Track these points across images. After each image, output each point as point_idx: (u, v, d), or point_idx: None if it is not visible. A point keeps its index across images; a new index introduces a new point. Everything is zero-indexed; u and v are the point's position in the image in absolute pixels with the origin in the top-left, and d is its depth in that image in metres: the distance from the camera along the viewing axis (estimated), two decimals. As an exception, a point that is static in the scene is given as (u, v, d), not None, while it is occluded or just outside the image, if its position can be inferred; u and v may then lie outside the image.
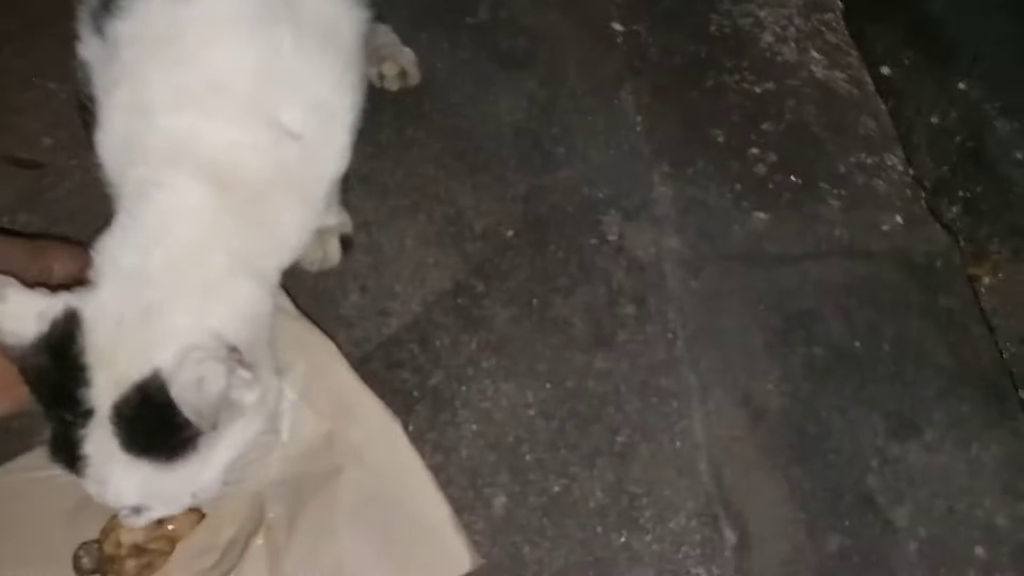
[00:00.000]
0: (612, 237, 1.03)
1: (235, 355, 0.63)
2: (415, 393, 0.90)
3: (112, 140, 0.70)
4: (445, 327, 0.95)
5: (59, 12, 0.79)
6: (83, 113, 0.74)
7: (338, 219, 0.95)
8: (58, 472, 0.68)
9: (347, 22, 0.78)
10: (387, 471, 0.83)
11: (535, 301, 0.98)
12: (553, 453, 0.87)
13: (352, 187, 0.99)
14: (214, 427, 0.62)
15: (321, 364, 0.85)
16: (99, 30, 0.72)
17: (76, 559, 0.77)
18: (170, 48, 0.68)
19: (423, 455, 0.82)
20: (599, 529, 0.83)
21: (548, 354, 0.94)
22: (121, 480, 0.64)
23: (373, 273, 0.99)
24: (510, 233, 1.04)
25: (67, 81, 1.11)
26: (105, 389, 0.62)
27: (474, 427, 0.89)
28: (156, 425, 0.62)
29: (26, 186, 1.07)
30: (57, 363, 0.63)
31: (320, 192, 0.78)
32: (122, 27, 0.69)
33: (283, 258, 0.74)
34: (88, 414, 0.63)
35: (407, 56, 1.11)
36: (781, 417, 0.90)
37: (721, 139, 1.15)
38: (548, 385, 0.92)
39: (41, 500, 0.79)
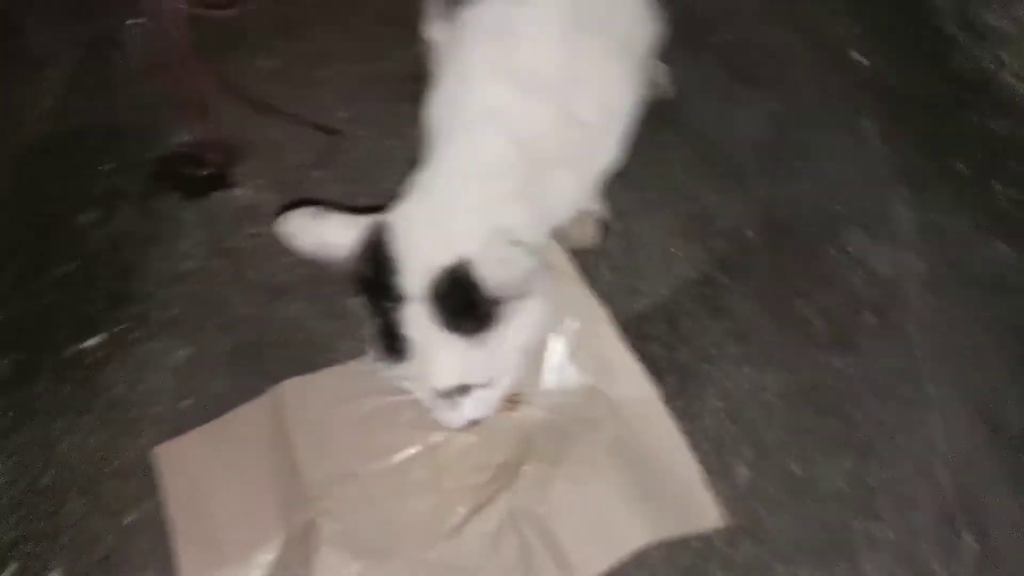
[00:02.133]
0: (851, 249, 1.11)
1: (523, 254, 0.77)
2: (663, 365, 1.01)
3: (442, 99, 0.87)
4: (691, 312, 1.06)
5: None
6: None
7: (599, 206, 1.08)
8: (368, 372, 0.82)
9: (642, 37, 0.92)
10: (643, 429, 0.95)
11: (775, 298, 1.06)
12: (792, 436, 0.96)
13: (611, 180, 1.12)
14: (518, 296, 0.75)
15: (592, 326, 0.97)
16: (448, 16, 0.88)
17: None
18: (501, 35, 0.84)
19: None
20: (837, 511, 0.90)
21: (787, 347, 1.03)
22: (443, 356, 0.79)
23: (625, 256, 1.11)
24: (750, 234, 1.14)
25: (363, 62, 1.32)
26: (415, 273, 0.77)
27: (718, 403, 0.99)
28: (465, 303, 0.77)
29: (323, 148, 1.27)
30: (375, 265, 0.77)
31: (591, 174, 0.92)
32: (467, 15, 0.86)
33: (550, 220, 0.88)
34: (401, 300, 0.77)
35: (663, 70, 1.24)
36: (1022, 439, 0.95)
37: (963, 170, 1.21)
38: (787, 375, 1.01)
39: (341, 407, 0.95)
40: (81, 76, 1.41)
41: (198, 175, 1.27)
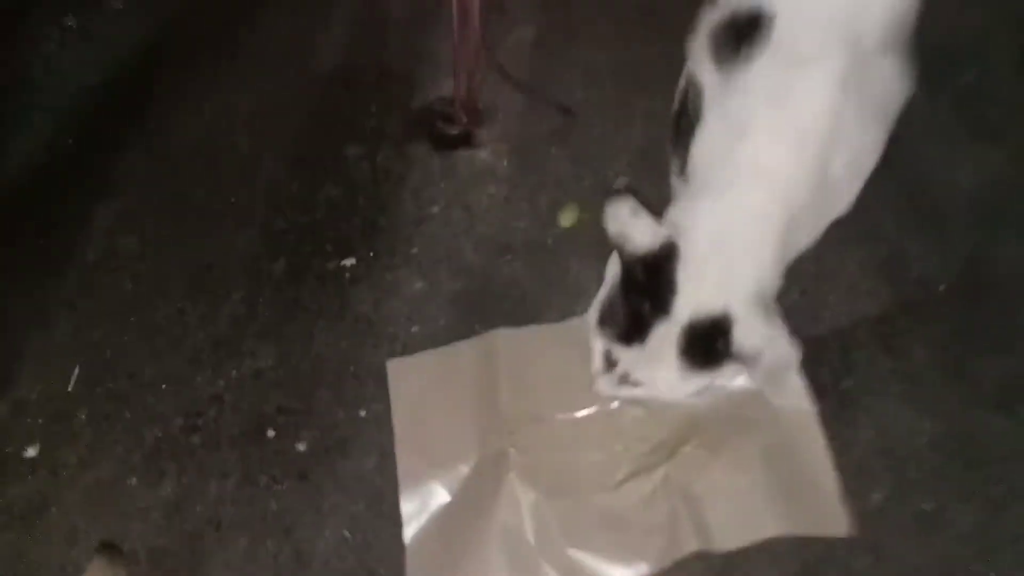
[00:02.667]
0: None
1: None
2: (828, 387, 1.14)
3: (707, 142, 1.00)
4: (865, 345, 1.18)
5: None
6: (679, 117, 1.05)
7: None
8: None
9: (896, 100, 1.01)
10: (796, 437, 1.10)
11: (952, 351, 1.16)
12: (933, 479, 1.08)
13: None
14: (765, 372, 0.90)
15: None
16: (720, 63, 1.00)
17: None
18: (779, 98, 0.95)
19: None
20: (958, 550, 1.02)
21: (952, 399, 1.13)
22: (658, 365, 0.96)
23: (814, 283, 1.24)
24: (942, 287, 1.22)
25: (612, 47, 1.45)
26: (686, 305, 0.93)
27: (870, 434, 1.11)
28: (708, 346, 0.92)
29: (560, 126, 1.45)
30: (654, 275, 0.94)
31: (826, 222, 1.02)
32: (744, 72, 0.98)
33: (791, 256, 1.01)
34: (663, 314, 0.93)
35: None
36: None
37: None
38: (945, 424, 1.11)
39: (542, 359, 1.18)
40: (363, 17, 1.65)
41: (449, 132, 1.49)
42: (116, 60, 1.67)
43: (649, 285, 0.94)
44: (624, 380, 0.99)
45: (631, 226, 0.92)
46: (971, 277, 1.24)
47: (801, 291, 1.25)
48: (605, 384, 1.01)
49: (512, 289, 1.31)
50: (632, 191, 0.93)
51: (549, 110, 1.49)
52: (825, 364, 1.18)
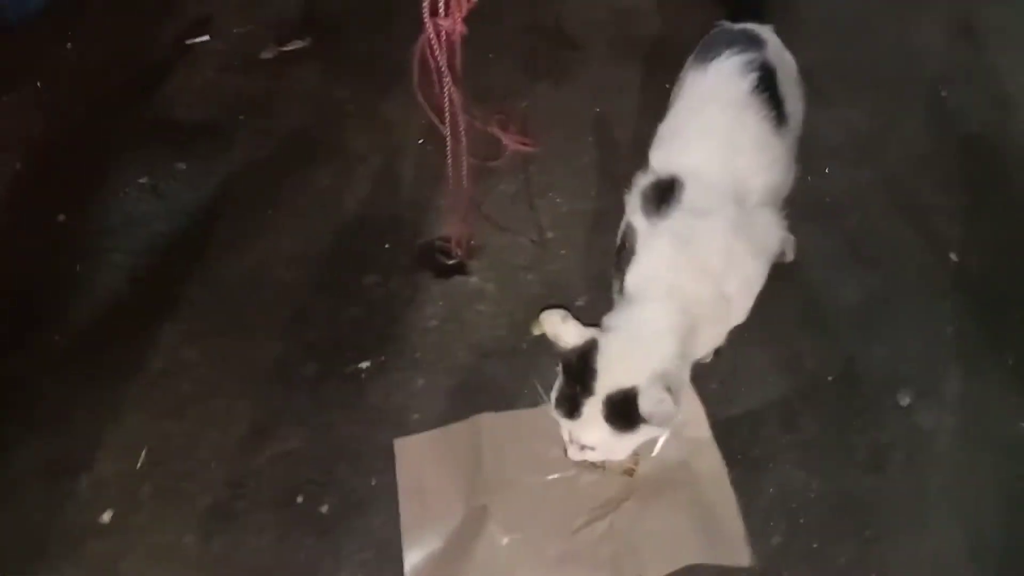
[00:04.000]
0: (904, 404, 1.54)
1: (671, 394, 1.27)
2: (738, 454, 1.48)
3: (637, 272, 1.38)
4: (769, 423, 1.53)
5: None
6: (620, 250, 1.46)
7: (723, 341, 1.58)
8: (551, 420, 1.35)
9: (776, 243, 1.41)
10: (713, 493, 1.44)
11: (836, 427, 1.51)
12: (820, 524, 1.40)
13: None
14: (657, 426, 1.25)
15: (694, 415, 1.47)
16: (647, 212, 1.41)
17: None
18: (686, 241, 1.35)
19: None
20: (841, 579, 1.33)
21: (834, 462, 1.46)
22: (593, 431, 1.29)
23: (730, 375, 1.60)
24: (830, 378, 1.59)
25: (576, 198, 1.88)
26: (603, 385, 1.28)
27: (771, 489, 1.45)
28: (624, 412, 1.26)
29: (533, 258, 1.85)
30: (581, 364, 1.30)
31: (727, 328, 1.41)
32: (662, 223, 1.38)
33: (694, 357, 1.38)
34: (589, 393, 1.28)
35: (791, 241, 1.72)
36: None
37: (1010, 363, 1.59)
38: (829, 482, 1.44)
39: (518, 437, 1.52)
40: (381, 176, 2.11)
41: (447, 263, 1.91)
42: (181, 210, 2.11)
43: (578, 373, 1.28)
44: (582, 447, 1.33)
45: (563, 329, 1.30)
46: (850, 369, 1.61)
47: (719, 382, 1.61)
48: (572, 452, 1.35)
49: (494, 384, 1.68)
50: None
51: (527, 245, 1.91)
52: (737, 437, 1.53)
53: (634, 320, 1.30)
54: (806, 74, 1.68)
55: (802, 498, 1.44)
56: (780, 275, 1.65)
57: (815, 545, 1.39)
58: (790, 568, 1.37)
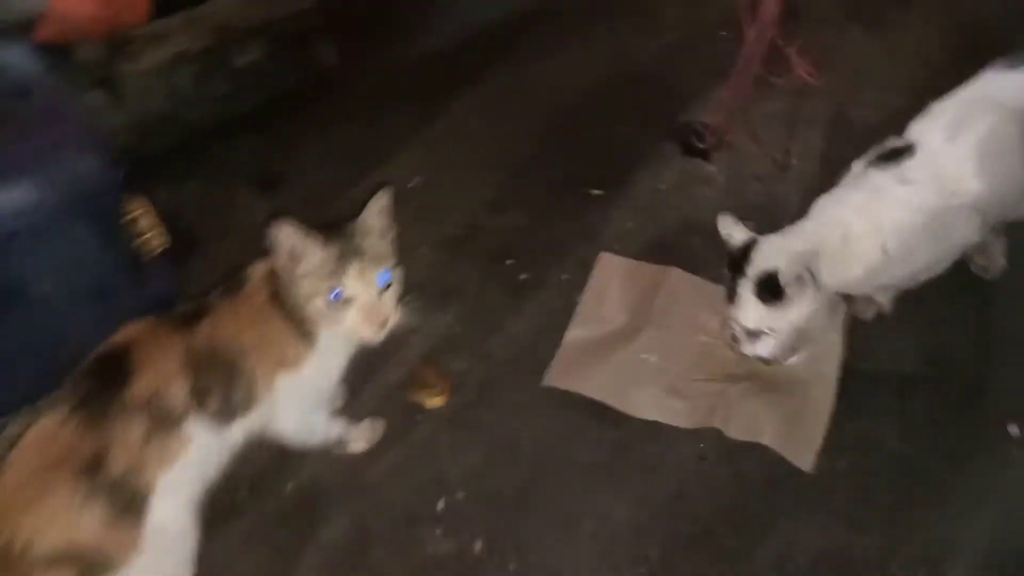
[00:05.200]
0: (1012, 433, 1.70)
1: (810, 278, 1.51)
2: (846, 400, 1.74)
3: (826, 199, 1.60)
4: (887, 387, 1.75)
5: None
6: None
7: (887, 303, 1.79)
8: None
9: (957, 244, 1.57)
10: (816, 395, 1.69)
11: (940, 421, 1.71)
12: (885, 481, 1.64)
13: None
14: (797, 299, 1.51)
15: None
16: (867, 166, 1.61)
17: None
18: (876, 192, 1.56)
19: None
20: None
21: (920, 443, 1.69)
22: (750, 309, 1.57)
23: (878, 336, 1.81)
24: (963, 380, 1.77)
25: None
26: (754, 269, 1.54)
27: (857, 435, 1.70)
28: (768, 286, 1.52)
29: (768, 172, 2.09)
30: (741, 256, 1.56)
31: (877, 281, 1.60)
32: (872, 172, 1.59)
33: (846, 285, 1.60)
34: (744, 277, 1.55)
35: (995, 257, 1.83)
36: None
37: None
38: (910, 457, 1.67)
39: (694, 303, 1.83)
40: (678, 47, 2.36)
41: (697, 145, 2.19)
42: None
43: (739, 264, 1.56)
44: (749, 337, 1.60)
45: (733, 229, 1.58)
46: (984, 384, 1.78)
47: (865, 337, 1.84)
48: (747, 349, 1.62)
49: (690, 253, 1.97)
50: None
51: (766, 161, 2.15)
52: (853, 386, 1.77)
53: (796, 228, 1.56)
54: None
55: (881, 454, 1.67)
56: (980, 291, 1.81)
57: (868, 484, 1.64)
58: (838, 493, 1.63)
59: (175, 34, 2.11)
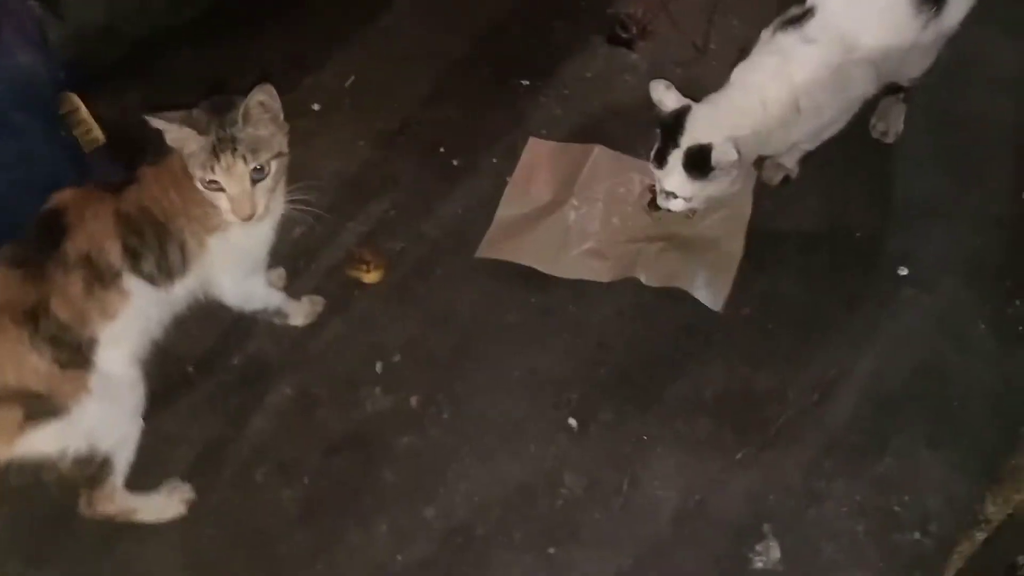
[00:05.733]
0: (901, 273, 1.83)
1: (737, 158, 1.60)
2: (752, 255, 1.86)
3: (742, 67, 1.68)
4: (790, 244, 1.87)
5: None
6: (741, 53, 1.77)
7: (793, 166, 1.90)
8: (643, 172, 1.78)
9: (857, 96, 1.67)
10: (725, 252, 1.81)
11: (837, 270, 1.84)
12: (786, 327, 1.77)
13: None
14: (722, 177, 1.61)
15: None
16: (774, 32, 1.72)
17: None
18: (785, 54, 1.63)
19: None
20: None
21: (818, 290, 1.82)
22: (676, 176, 1.66)
23: (784, 201, 1.93)
24: (858, 234, 1.89)
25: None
26: (687, 139, 1.63)
27: (764, 287, 1.83)
28: (698, 162, 1.61)
29: (688, 58, 2.18)
30: (674, 123, 1.64)
31: (790, 140, 1.71)
32: (779, 36, 1.67)
33: (763, 150, 1.71)
34: (675, 146, 1.64)
35: (896, 119, 1.95)
36: None
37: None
38: (809, 304, 1.80)
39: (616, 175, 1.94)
40: None
41: (620, 35, 2.27)
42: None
43: (671, 130, 1.65)
44: (667, 196, 1.70)
45: (665, 95, 1.66)
46: (875, 239, 1.90)
47: (773, 201, 1.96)
48: (660, 200, 1.73)
49: (613, 134, 2.04)
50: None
51: (687, 47, 2.24)
52: (759, 242, 1.89)
53: (723, 97, 1.64)
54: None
55: (783, 302, 1.80)
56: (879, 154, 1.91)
57: (769, 327, 1.77)
58: (742, 337, 1.77)
59: (108, -64, 2.13)
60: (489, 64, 2.23)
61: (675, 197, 1.67)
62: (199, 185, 1.35)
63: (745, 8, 2.24)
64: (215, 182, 1.30)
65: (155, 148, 1.44)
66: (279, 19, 2.34)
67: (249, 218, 1.37)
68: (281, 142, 1.40)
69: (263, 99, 1.34)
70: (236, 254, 1.51)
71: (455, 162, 2.08)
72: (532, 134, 2.08)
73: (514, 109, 2.14)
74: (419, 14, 2.35)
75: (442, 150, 2.10)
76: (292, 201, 1.44)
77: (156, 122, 1.32)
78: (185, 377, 1.78)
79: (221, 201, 1.36)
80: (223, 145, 1.31)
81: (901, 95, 1.91)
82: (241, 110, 1.32)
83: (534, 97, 2.17)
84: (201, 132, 1.31)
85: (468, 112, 2.15)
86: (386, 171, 2.06)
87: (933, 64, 1.78)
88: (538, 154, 2.03)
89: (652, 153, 1.68)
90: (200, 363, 1.79)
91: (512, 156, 2.05)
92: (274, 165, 1.38)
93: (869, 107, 1.81)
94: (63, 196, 1.39)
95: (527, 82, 2.20)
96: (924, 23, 1.64)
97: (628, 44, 2.23)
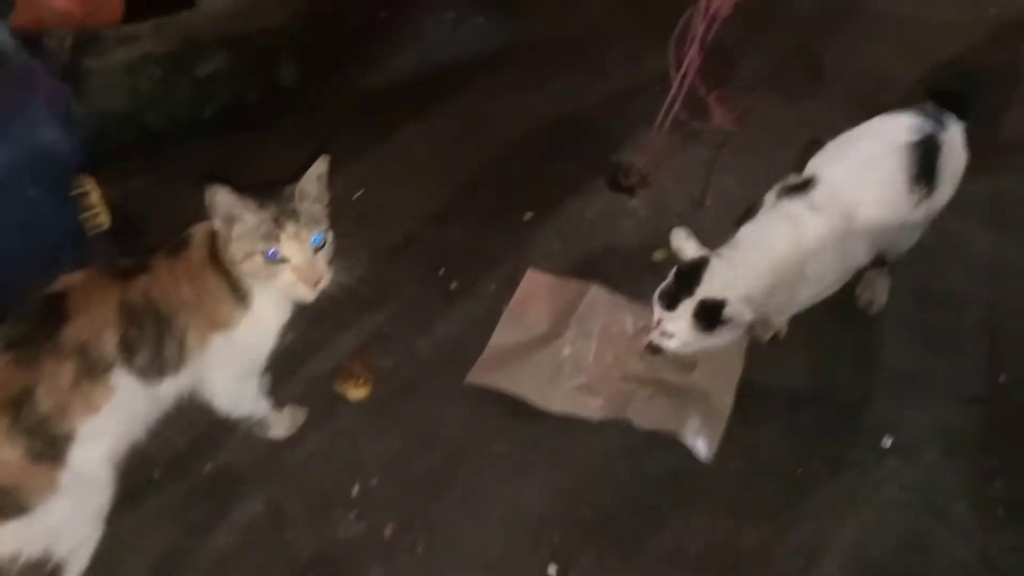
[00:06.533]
0: (885, 446, 1.85)
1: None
2: (740, 407, 1.87)
3: (751, 227, 1.74)
4: (776, 400, 1.89)
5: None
6: (746, 212, 1.84)
7: (782, 324, 1.95)
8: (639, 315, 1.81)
9: (855, 264, 1.75)
10: (716, 400, 1.81)
11: (819, 431, 1.86)
12: (771, 481, 1.77)
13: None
14: (728, 334, 1.65)
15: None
16: (779, 197, 1.80)
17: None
18: (793, 220, 1.70)
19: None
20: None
21: (802, 450, 1.82)
22: (683, 323, 1.67)
23: (772, 356, 1.96)
24: (842, 401, 1.92)
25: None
26: (703, 292, 1.65)
27: (750, 442, 1.83)
28: (709, 315, 1.63)
29: (687, 210, 2.27)
30: (691, 271, 1.67)
31: (792, 303, 1.77)
32: (786, 202, 1.76)
33: (767, 309, 1.75)
34: (690, 294, 1.66)
35: (882, 289, 2.03)
36: None
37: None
38: (793, 461, 1.80)
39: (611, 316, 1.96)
40: (618, 95, 2.56)
41: (622, 182, 2.36)
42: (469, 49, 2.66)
43: (687, 277, 1.68)
44: (663, 334, 1.72)
45: (685, 244, 1.70)
46: (862, 405, 1.93)
47: (761, 355, 1.99)
48: (654, 335, 1.74)
49: (610, 273, 2.10)
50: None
51: (685, 200, 2.33)
52: (748, 394, 1.91)
53: (738, 255, 1.68)
54: (991, 197, 2.00)
55: (769, 458, 1.80)
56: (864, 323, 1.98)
57: (755, 482, 1.75)
58: (727, 490, 1.74)
59: (143, 37, 2.19)
60: (494, 192, 2.30)
61: (672, 337, 1.67)
62: (256, 262, 1.35)
63: (740, 168, 2.35)
64: (276, 255, 1.32)
65: (159, 236, 1.43)
66: (294, 126, 2.40)
67: (315, 285, 1.39)
68: (327, 217, 1.44)
69: (322, 171, 1.40)
70: (238, 354, 1.48)
71: (454, 284, 2.09)
72: (531, 265, 2.10)
73: (515, 238, 2.18)
74: (431, 137, 2.43)
75: (442, 271, 2.11)
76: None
77: (220, 195, 1.32)
78: (150, 480, 1.69)
79: (284, 274, 1.37)
80: (286, 216, 1.34)
81: (885, 268, 1.98)
82: (303, 181, 1.37)
83: (535, 230, 2.21)
84: (261, 206, 1.33)
85: (471, 236, 2.18)
86: (385, 285, 2.07)
87: (918, 242, 1.87)
88: (536, 285, 2.04)
89: (659, 293, 1.71)
90: (168, 466, 1.72)
91: (510, 284, 2.06)
92: (329, 236, 1.42)
93: (855, 277, 1.87)
94: (70, 279, 1.35)
95: (530, 214, 2.25)
96: (917, 201, 1.73)
97: (629, 191, 2.31)
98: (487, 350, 1.92)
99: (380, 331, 1.97)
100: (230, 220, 1.32)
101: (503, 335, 1.94)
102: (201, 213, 1.38)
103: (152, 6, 2.29)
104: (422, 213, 2.23)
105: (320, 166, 1.36)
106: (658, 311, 1.70)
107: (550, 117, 2.48)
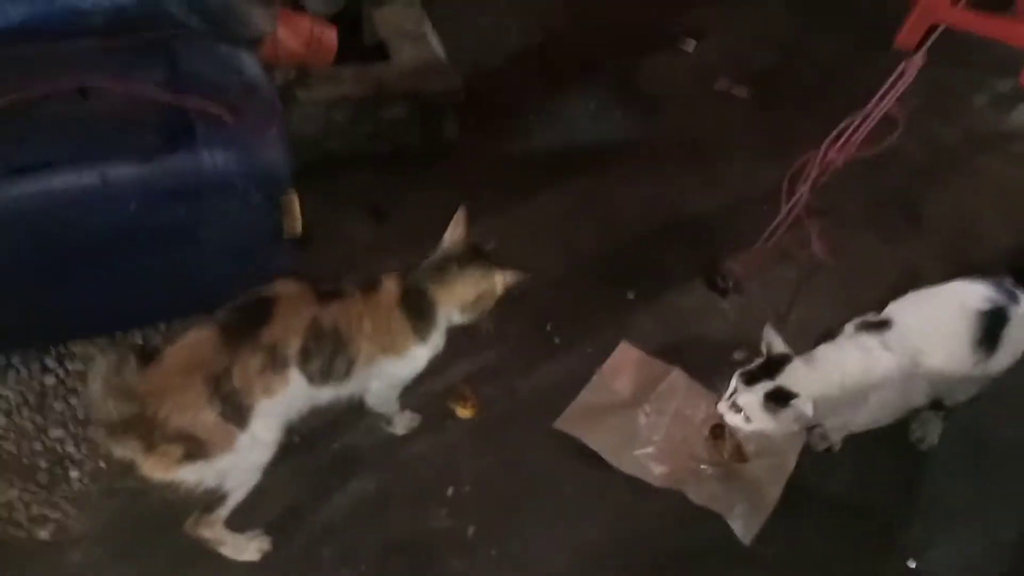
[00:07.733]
0: (911, 566, 2.09)
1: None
2: (787, 498, 2.14)
3: (828, 347, 2.01)
4: (820, 500, 2.16)
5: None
6: (823, 337, 2.14)
7: (837, 439, 2.22)
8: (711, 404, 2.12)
9: (910, 401, 2.02)
10: (765, 489, 2.08)
11: (859, 541, 2.11)
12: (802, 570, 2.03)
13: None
14: (790, 421, 1.91)
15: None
16: (856, 330, 2.10)
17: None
18: (866, 351, 1.97)
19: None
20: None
21: (839, 545, 2.08)
22: (754, 397, 1.93)
23: (824, 463, 2.24)
24: (876, 512, 2.17)
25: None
26: (780, 380, 1.93)
27: (790, 528, 2.10)
28: (780, 400, 1.90)
29: (775, 318, 2.57)
30: (776, 362, 1.96)
31: (852, 423, 2.05)
32: (861, 335, 2.08)
33: (828, 420, 2.04)
34: (770, 378, 1.93)
35: (934, 427, 2.27)
36: None
37: None
38: (832, 558, 2.06)
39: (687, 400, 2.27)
40: (730, 205, 2.90)
41: (718, 283, 2.68)
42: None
43: (772, 365, 1.96)
44: (733, 408, 2.01)
45: (774, 340, 1.99)
46: (892, 528, 2.18)
47: (814, 461, 2.27)
48: (722, 406, 2.02)
49: (692, 362, 2.40)
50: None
51: (769, 312, 2.63)
52: (796, 488, 2.19)
53: (816, 364, 1.95)
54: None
55: (804, 552, 2.05)
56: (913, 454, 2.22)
57: (787, 572, 2.01)
58: (760, 569, 2.00)
59: (345, 80, 2.65)
60: (606, 268, 2.64)
61: (739, 412, 1.94)
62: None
63: (824, 296, 2.62)
64: None
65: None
66: (447, 173, 2.80)
67: None
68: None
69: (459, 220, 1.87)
70: (399, 373, 1.85)
71: (557, 339, 2.43)
72: (626, 338, 2.42)
73: (616, 312, 2.51)
74: (560, 207, 2.79)
75: (549, 326, 2.45)
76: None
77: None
78: (290, 445, 2.05)
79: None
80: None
81: (942, 413, 2.23)
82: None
83: (635, 308, 2.54)
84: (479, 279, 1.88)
85: (579, 301, 2.52)
86: (499, 328, 2.40)
87: (976, 393, 2.09)
88: (627, 357, 2.37)
89: (740, 371, 1.97)
90: (307, 437, 2.08)
91: (605, 350, 2.38)
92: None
93: (912, 413, 2.12)
94: (283, 288, 1.67)
95: (632, 293, 2.58)
96: (976, 361, 1.98)
97: (723, 293, 2.62)
98: (575, 403, 2.24)
99: (489, 365, 2.31)
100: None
101: (591, 394, 2.26)
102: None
103: (356, 55, 2.76)
104: (541, 272, 2.55)
105: (459, 216, 1.74)
106: (735, 383, 1.97)
107: (665, 210, 2.81)
